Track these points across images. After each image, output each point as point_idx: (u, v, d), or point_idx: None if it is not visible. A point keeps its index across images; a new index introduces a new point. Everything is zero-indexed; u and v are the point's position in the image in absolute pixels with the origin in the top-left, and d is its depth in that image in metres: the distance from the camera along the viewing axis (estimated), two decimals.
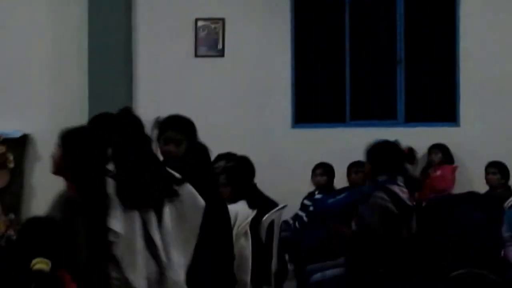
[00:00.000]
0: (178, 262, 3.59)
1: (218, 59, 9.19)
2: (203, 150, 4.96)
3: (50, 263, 3.24)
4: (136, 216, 3.52)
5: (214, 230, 4.31)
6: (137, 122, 4.07)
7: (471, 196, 7.45)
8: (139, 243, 3.39)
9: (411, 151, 7.58)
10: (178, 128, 4.84)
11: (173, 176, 3.89)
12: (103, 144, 3.80)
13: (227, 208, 4.80)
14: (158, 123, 4.86)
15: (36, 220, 3.55)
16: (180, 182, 3.75)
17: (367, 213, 5.25)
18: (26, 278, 3.16)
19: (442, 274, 2.98)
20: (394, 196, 5.19)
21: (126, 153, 3.83)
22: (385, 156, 5.39)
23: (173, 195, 3.63)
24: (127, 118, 4.36)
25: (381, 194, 5.18)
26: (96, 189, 3.60)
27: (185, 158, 4.70)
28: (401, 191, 5.26)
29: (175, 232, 3.70)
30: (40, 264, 3.20)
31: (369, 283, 5.27)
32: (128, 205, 3.47)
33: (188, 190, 3.73)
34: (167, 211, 3.61)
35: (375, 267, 5.23)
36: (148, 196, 3.61)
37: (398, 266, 5.21)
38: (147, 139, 3.99)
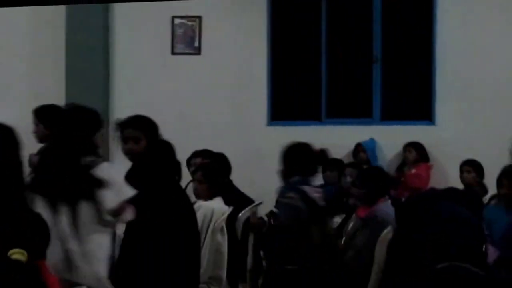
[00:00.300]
0: (96, 256, 3.73)
1: (195, 57, 9.24)
2: (166, 147, 5.06)
3: (26, 254, 3.22)
4: (46, 205, 3.84)
5: (173, 227, 4.43)
6: (77, 121, 4.54)
7: (451, 191, 7.76)
8: None
9: (323, 153, 7.63)
10: (136, 126, 5.02)
11: (96, 179, 4.14)
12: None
13: (191, 205, 4.93)
14: (117, 124, 5.26)
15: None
16: (100, 185, 3.98)
17: (280, 211, 5.44)
18: (5, 269, 3.04)
19: (424, 272, 2.79)
20: (304, 196, 5.38)
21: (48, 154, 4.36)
22: (297, 158, 5.57)
23: (90, 196, 3.85)
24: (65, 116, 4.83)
25: (292, 194, 5.41)
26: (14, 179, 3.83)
27: (146, 155, 4.87)
28: (313, 191, 5.48)
29: (92, 228, 3.91)
30: (17, 254, 3.18)
31: (284, 278, 5.46)
32: (42, 195, 3.82)
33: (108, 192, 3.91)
34: (84, 208, 3.84)
35: (288, 263, 5.42)
36: (57, 190, 3.91)
37: (311, 263, 5.40)
38: (73, 140, 4.29)
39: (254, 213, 7.06)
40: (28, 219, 3.63)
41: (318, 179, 6.83)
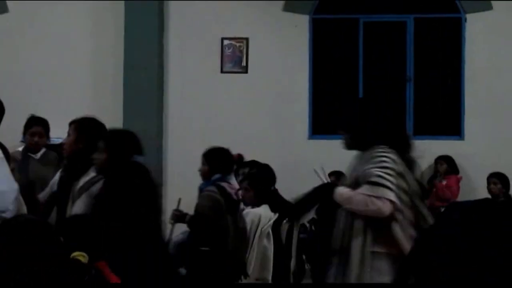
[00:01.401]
0: None
1: (242, 75, 9.36)
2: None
3: (87, 256, 3.38)
4: None
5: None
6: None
7: (488, 202, 7.93)
8: None
9: (240, 157, 8.01)
10: (38, 123, 6.11)
11: None
12: None
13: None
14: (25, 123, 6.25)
15: (74, 217, 3.92)
16: None
17: (200, 203, 5.69)
18: (68, 270, 3.22)
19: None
20: (222, 190, 5.65)
21: None
22: (218, 160, 5.85)
23: None
24: None
25: (212, 188, 5.67)
26: None
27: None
28: (229, 187, 5.77)
29: None
30: (78, 257, 3.33)
31: (207, 258, 5.64)
32: None
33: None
34: None
35: (208, 245, 5.66)
36: None
37: (223, 245, 5.68)
38: None
39: None
40: (87, 223, 3.87)
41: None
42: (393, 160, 3.80)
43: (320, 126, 9.35)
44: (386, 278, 3.89)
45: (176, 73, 9.45)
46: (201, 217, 5.71)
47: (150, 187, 4.87)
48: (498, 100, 8.97)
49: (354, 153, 8.73)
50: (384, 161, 3.85)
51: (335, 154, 8.28)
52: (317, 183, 7.95)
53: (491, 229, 2.49)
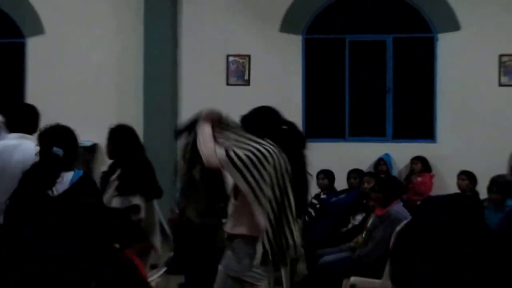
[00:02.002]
0: None
1: (245, 87, 9.36)
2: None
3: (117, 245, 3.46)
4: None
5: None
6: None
7: (459, 196, 6.88)
8: None
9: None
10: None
11: None
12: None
13: None
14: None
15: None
16: None
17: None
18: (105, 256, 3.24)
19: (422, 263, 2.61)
20: None
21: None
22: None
23: None
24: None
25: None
26: None
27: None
28: None
29: None
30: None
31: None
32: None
33: None
34: None
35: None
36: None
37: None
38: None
39: None
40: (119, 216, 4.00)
41: None
42: (267, 150, 3.70)
43: (312, 131, 9.22)
44: (246, 261, 3.79)
45: (189, 85, 9.47)
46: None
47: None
48: (466, 110, 8.96)
49: (340, 155, 8.71)
50: (255, 144, 3.78)
51: (325, 156, 8.67)
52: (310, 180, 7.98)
53: (462, 223, 2.59)
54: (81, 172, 3.76)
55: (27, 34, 9.86)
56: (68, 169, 3.65)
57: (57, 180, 3.55)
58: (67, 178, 3.62)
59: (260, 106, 4.33)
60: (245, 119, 4.36)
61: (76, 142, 3.92)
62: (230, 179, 4.12)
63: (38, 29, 9.80)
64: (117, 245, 3.51)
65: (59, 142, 3.72)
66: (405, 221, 5.08)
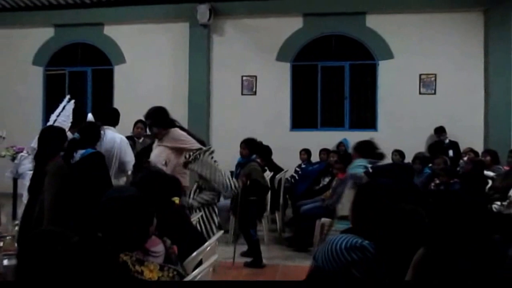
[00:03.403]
0: None
1: (253, 96, 9.51)
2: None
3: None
4: None
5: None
6: None
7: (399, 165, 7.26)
8: None
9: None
10: (141, 122, 5.90)
11: None
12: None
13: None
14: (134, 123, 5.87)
15: None
16: None
17: (254, 169, 5.33)
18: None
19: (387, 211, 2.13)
20: (258, 163, 5.54)
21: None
22: (254, 145, 5.56)
23: None
24: None
25: (254, 162, 5.44)
26: None
27: None
28: (260, 161, 5.64)
29: None
30: (175, 200, 3.11)
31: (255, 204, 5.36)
32: None
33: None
34: None
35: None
36: None
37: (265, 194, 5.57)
38: None
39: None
40: None
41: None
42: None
43: (297, 123, 9.45)
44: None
45: (217, 95, 9.61)
46: (255, 177, 5.31)
47: None
48: (397, 109, 9.00)
49: (315, 139, 8.45)
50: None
51: (305, 140, 8.81)
52: (295, 156, 8.05)
53: (399, 182, 2.38)
54: (90, 150, 3.77)
55: (114, 63, 9.96)
56: (83, 148, 3.71)
57: (74, 154, 3.67)
58: (80, 153, 3.70)
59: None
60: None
61: (90, 132, 3.87)
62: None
63: (121, 59, 9.91)
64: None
65: (80, 132, 3.82)
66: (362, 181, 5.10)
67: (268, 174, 6.42)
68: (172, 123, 4.26)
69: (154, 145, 4.37)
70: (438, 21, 8.95)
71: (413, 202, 2.07)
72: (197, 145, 4.21)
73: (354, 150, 4.44)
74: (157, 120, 4.18)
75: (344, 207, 4.19)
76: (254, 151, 5.58)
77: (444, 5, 8.87)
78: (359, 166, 4.17)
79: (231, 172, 8.15)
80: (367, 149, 4.43)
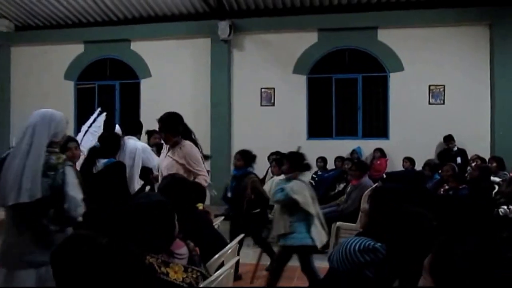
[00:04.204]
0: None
1: (272, 107, 9.69)
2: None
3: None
4: None
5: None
6: None
7: (411, 171, 7.88)
8: None
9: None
10: (157, 133, 4.85)
11: None
12: None
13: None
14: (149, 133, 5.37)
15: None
16: None
17: (254, 182, 5.02)
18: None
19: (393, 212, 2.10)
20: (255, 174, 5.17)
21: None
22: (249, 157, 5.18)
23: None
24: None
25: (252, 174, 5.15)
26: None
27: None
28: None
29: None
30: (199, 206, 3.33)
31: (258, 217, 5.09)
32: None
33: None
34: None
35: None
36: None
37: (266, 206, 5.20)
38: None
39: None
40: None
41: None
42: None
43: (313, 132, 9.57)
44: None
45: (238, 106, 9.78)
46: (258, 190, 5.08)
47: None
48: (408, 119, 9.10)
49: (330, 147, 8.67)
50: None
51: (321, 148, 9.05)
52: (312, 164, 7.97)
53: (411, 187, 2.33)
54: (113, 160, 3.80)
55: (140, 77, 10.22)
56: (104, 157, 3.73)
57: (96, 163, 3.67)
58: (102, 162, 3.70)
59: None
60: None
61: (111, 142, 3.91)
62: None
63: (147, 74, 10.17)
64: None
65: (100, 141, 3.88)
66: (372, 186, 5.29)
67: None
68: (185, 133, 4.09)
69: (163, 153, 4.21)
70: (445, 35, 9.10)
71: (421, 205, 2.03)
72: (204, 172, 3.99)
73: (285, 159, 4.39)
74: (167, 125, 4.05)
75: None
76: (249, 163, 5.27)
77: (451, 20, 9.02)
78: (278, 191, 4.02)
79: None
80: (296, 160, 4.36)
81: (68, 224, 2.68)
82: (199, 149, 4.08)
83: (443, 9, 8.99)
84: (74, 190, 2.68)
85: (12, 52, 10.85)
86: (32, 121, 2.74)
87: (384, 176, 8.02)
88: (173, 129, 4.02)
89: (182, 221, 2.11)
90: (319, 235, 3.92)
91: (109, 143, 3.88)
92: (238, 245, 2.94)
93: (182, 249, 2.01)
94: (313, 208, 3.92)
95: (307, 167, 4.42)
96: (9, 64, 10.82)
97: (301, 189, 4.02)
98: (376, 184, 5.71)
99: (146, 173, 4.64)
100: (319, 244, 3.79)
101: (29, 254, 2.57)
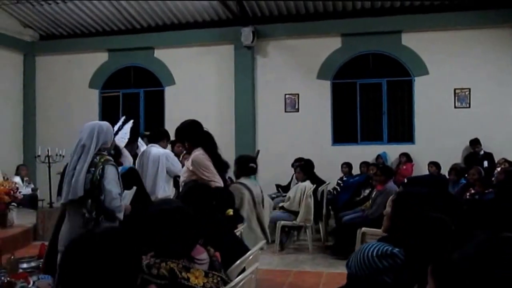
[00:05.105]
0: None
1: (296, 113, 9.69)
2: None
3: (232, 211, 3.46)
4: None
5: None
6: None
7: (434, 176, 7.81)
8: None
9: (258, 152, 7.73)
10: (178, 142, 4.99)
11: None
12: None
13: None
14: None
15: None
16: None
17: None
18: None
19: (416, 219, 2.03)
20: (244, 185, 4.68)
21: None
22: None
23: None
24: None
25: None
26: None
27: None
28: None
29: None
30: (229, 213, 3.43)
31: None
32: None
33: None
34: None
35: None
36: None
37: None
38: None
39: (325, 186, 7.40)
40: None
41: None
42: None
43: (337, 139, 9.62)
44: None
45: (261, 113, 9.82)
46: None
47: None
48: (433, 123, 9.07)
49: (355, 153, 8.70)
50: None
51: (345, 153, 9.10)
52: (336, 168, 8.35)
53: (433, 192, 2.22)
54: (127, 167, 3.97)
55: (164, 84, 10.27)
56: (120, 164, 3.84)
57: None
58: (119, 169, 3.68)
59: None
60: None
61: (119, 151, 4.06)
62: None
63: (171, 81, 10.22)
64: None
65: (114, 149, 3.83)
66: (396, 191, 4.89)
67: (310, 187, 6.61)
68: (204, 139, 4.02)
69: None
70: (470, 37, 9.05)
71: (444, 209, 1.97)
72: (215, 178, 3.86)
73: (234, 164, 4.44)
74: (179, 136, 4.13)
75: None
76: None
77: (475, 22, 8.95)
78: None
79: (278, 188, 8.53)
80: (242, 163, 4.44)
81: (105, 215, 3.02)
82: (215, 156, 3.99)
83: (467, 12, 8.94)
84: (111, 184, 3.04)
85: (37, 61, 10.94)
86: (82, 136, 3.17)
87: (405, 181, 8.01)
88: (183, 138, 4.08)
89: (203, 227, 2.13)
90: (248, 237, 3.95)
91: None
92: (259, 251, 2.93)
93: (202, 255, 2.01)
94: (245, 211, 3.97)
95: (253, 171, 4.51)
96: (34, 73, 10.91)
97: (237, 193, 4.11)
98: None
99: (177, 181, 4.70)
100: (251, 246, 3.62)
101: None
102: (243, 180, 4.63)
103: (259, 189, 4.69)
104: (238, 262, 2.57)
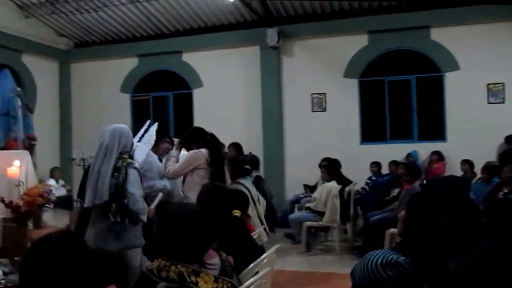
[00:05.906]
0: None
1: (323, 113, 9.64)
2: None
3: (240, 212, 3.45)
4: None
5: None
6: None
7: (453, 177, 7.49)
8: None
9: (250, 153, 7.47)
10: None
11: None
12: None
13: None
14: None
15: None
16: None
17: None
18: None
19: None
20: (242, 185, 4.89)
21: None
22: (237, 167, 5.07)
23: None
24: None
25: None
26: None
27: None
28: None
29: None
30: (235, 213, 3.44)
31: None
32: None
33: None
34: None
35: None
36: None
37: None
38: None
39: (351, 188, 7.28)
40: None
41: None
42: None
43: (366, 137, 9.52)
44: None
45: (288, 112, 9.78)
46: None
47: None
48: (466, 119, 8.88)
49: (384, 152, 8.63)
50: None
51: (374, 152, 9.06)
52: (365, 168, 8.35)
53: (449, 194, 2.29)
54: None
55: (192, 87, 10.38)
56: None
57: None
58: None
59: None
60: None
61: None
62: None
63: (199, 84, 10.33)
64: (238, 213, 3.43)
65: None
66: (413, 192, 4.96)
67: (336, 187, 6.57)
68: (205, 143, 4.27)
69: None
70: (501, 31, 8.75)
71: (453, 214, 1.98)
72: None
73: (230, 165, 4.57)
74: (187, 143, 4.41)
75: None
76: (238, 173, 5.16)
77: (505, 15, 8.64)
78: None
79: (306, 187, 8.67)
80: (238, 165, 4.64)
81: (129, 217, 3.10)
82: (217, 155, 4.24)
83: (497, 5, 8.65)
84: (133, 187, 3.13)
85: (71, 68, 11.28)
86: (104, 139, 3.26)
87: (424, 182, 7.67)
88: (197, 141, 4.30)
89: (216, 230, 2.13)
90: None
91: None
92: (275, 255, 2.91)
93: (214, 259, 2.01)
94: (249, 211, 4.04)
95: (247, 172, 4.77)
96: (70, 80, 11.25)
97: None
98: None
99: None
100: None
101: (103, 243, 3.12)
102: (240, 180, 4.82)
103: (255, 189, 4.90)
104: (251, 266, 2.56)
